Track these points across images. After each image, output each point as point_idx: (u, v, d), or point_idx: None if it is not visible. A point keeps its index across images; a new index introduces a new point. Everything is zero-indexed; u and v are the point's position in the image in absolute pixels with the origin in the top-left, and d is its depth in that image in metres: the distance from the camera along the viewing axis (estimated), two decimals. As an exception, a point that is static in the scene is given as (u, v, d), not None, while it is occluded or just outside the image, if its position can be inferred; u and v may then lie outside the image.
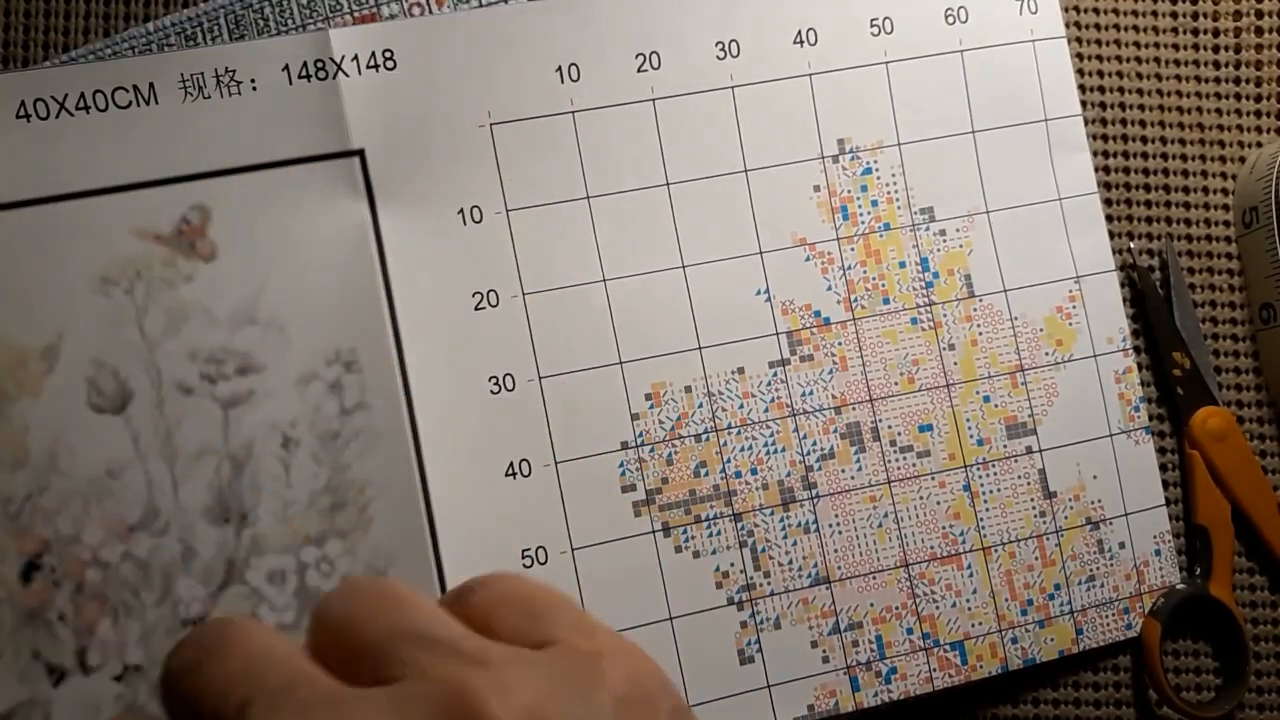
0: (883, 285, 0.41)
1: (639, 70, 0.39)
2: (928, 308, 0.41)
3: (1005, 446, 0.41)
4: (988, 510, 0.40)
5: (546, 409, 0.38)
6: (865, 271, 0.41)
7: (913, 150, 0.41)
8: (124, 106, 0.37)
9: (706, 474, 0.39)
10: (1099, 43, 0.44)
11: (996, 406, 0.41)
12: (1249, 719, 0.43)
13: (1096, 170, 0.43)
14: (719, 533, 0.38)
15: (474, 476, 0.37)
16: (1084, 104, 0.43)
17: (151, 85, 0.37)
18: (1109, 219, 0.43)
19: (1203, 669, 0.43)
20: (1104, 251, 0.42)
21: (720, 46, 0.40)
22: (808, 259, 0.40)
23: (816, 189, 0.40)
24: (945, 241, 0.41)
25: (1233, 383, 0.44)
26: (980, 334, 0.41)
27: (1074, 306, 0.41)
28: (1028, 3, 0.41)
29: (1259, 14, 0.44)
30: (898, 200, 0.41)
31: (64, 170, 0.36)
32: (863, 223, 0.41)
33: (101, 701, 0.35)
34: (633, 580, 0.38)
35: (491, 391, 0.37)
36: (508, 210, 0.38)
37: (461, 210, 0.38)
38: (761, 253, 0.40)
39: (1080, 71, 0.43)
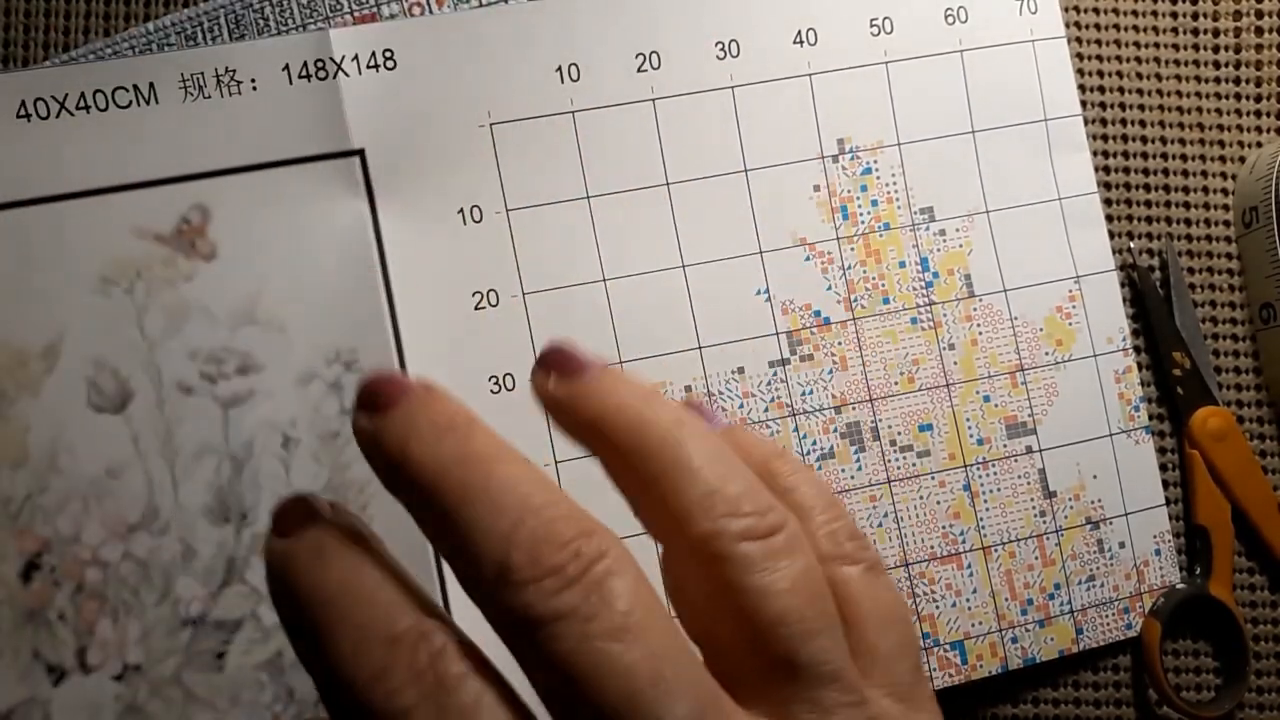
0: (883, 285, 0.41)
1: (639, 70, 0.39)
2: (928, 307, 0.41)
3: (1005, 446, 0.41)
4: (988, 510, 0.40)
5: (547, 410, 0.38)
6: (865, 271, 0.41)
7: (912, 150, 0.41)
8: (124, 106, 0.37)
9: (706, 474, 0.39)
10: (1099, 43, 0.44)
11: (996, 406, 0.41)
12: (1249, 719, 0.43)
13: (1096, 170, 0.43)
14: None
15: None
16: (1084, 104, 0.43)
17: (152, 85, 0.37)
18: (1109, 219, 0.43)
19: (1202, 669, 0.43)
20: (1104, 251, 0.42)
21: (720, 46, 0.40)
22: (808, 259, 0.40)
23: (816, 189, 0.40)
24: (945, 241, 0.41)
25: (1233, 383, 0.44)
26: (980, 334, 0.41)
27: (1074, 306, 0.41)
28: (1027, 3, 0.42)
29: (1259, 14, 0.44)
30: (897, 200, 0.41)
31: (64, 170, 0.36)
32: (862, 222, 0.41)
33: (101, 701, 0.35)
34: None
35: (492, 391, 0.37)
36: (508, 210, 0.38)
37: (461, 210, 0.38)
38: (761, 252, 0.40)
39: (1080, 71, 0.43)
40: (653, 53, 0.39)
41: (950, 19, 0.41)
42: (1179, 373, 0.42)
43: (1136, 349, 0.42)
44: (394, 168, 0.38)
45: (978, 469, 0.40)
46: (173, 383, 0.36)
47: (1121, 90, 0.44)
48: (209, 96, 0.37)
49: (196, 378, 0.36)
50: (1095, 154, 0.43)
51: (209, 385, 0.36)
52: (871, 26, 0.41)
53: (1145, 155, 0.44)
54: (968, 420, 0.41)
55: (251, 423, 0.36)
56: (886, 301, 0.41)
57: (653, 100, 0.39)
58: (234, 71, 0.37)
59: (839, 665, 0.21)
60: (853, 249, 0.41)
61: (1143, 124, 0.44)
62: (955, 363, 0.41)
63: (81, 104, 0.36)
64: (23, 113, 0.36)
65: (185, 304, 0.36)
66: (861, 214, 0.41)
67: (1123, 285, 0.43)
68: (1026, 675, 0.41)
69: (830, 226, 0.40)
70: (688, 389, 0.39)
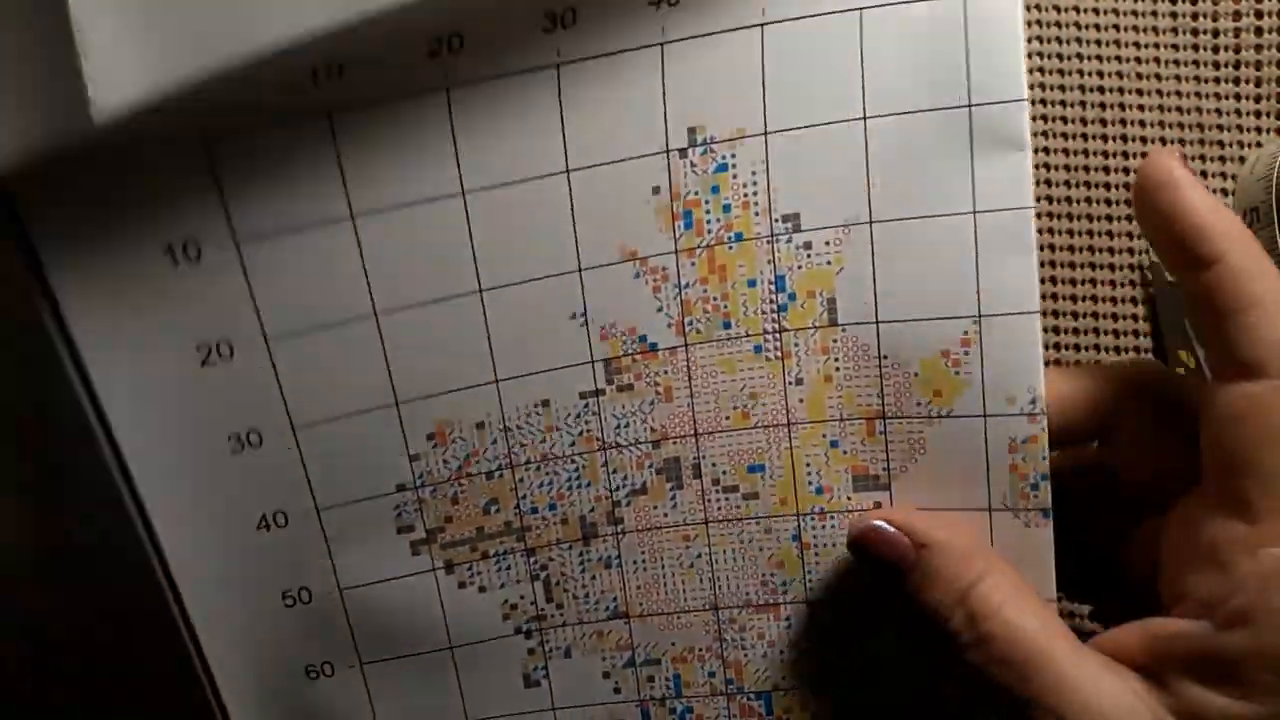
0: (724, 307, 0.35)
1: (431, 55, 0.32)
2: (776, 335, 0.35)
3: (849, 499, 0.36)
4: (818, 564, 0.36)
5: (304, 463, 0.35)
6: (705, 290, 0.35)
7: (782, 141, 0.33)
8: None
9: (498, 510, 0.36)
10: (1098, 43, 0.44)
11: (845, 454, 0.36)
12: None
13: (1097, 170, 0.43)
14: (509, 568, 0.37)
15: (221, 532, 0.35)
16: (1083, 104, 0.44)
17: None
18: (1111, 219, 0.44)
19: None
20: (1027, 287, 0.33)
21: (550, 17, 0.32)
22: (637, 275, 0.35)
23: (656, 190, 0.34)
24: (809, 257, 0.34)
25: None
26: (837, 370, 0.35)
27: (966, 353, 0.34)
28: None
29: (1259, 14, 0.44)
30: (756, 204, 0.34)
31: None
32: (710, 232, 0.34)
33: None
34: (409, 614, 0.37)
35: (233, 450, 0.35)
36: (237, 244, 0.33)
37: (170, 248, 0.32)
38: (581, 270, 0.35)
39: (1080, 72, 0.44)
40: (453, 35, 0.32)
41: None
42: (1184, 370, 0.43)
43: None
44: (60, 203, 0.31)
45: (813, 519, 0.36)
46: None
47: (1121, 90, 0.44)
48: None
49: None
50: (1095, 154, 0.44)
51: None
52: None
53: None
54: (808, 465, 0.36)
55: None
56: (727, 326, 0.35)
57: (446, 89, 0.33)
58: None
59: None
60: (693, 264, 0.35)
61: (1142, 124, 0.44)
62: (801, 400, 0.35)
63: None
64: None
65: None
66: (710, 222, 0.34)
67: (1133, 285, 0.44)
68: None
69: (668, 237, 0.34)
70: (479, 426, 0.36)
